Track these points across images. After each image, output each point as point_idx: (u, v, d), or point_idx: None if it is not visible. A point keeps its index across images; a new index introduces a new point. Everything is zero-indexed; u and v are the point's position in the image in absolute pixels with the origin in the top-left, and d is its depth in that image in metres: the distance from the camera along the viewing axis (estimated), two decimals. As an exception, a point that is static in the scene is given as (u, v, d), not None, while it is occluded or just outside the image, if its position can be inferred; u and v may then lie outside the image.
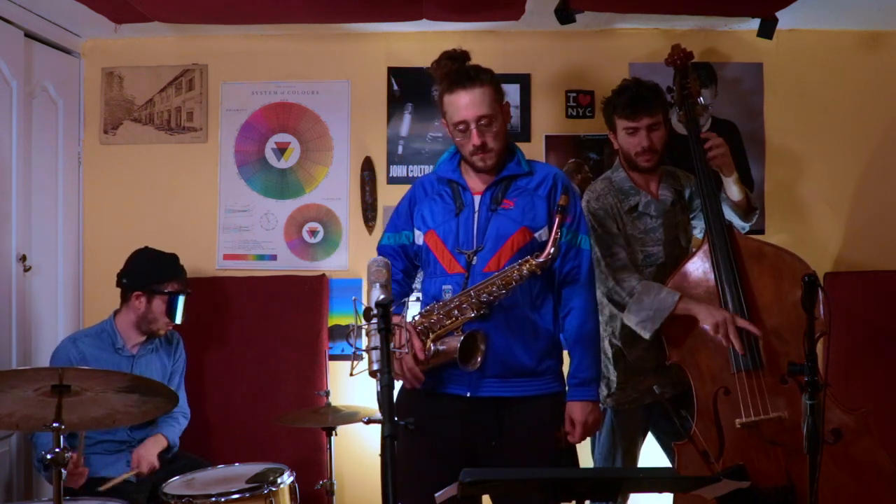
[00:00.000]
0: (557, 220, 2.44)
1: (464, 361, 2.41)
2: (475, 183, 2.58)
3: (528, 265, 2.42)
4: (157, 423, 3.18)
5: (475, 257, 2.49)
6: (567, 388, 2.55)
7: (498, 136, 2.52)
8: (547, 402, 2.53)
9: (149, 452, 3.05)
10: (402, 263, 2.67)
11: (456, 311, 2.46)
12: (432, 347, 2.45)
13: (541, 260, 2.43)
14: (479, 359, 2.43)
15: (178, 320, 3.19)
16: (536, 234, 2.52)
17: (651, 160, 2.89)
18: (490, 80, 2.52)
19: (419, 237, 2.61)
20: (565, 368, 2.60)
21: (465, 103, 2.48)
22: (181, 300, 3.17)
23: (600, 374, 2.59)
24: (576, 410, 2.51)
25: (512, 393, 2.48)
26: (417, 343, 2.44)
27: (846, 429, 2.64)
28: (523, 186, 2.56)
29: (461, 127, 2.50)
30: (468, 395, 2.48)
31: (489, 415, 2.48)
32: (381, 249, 2.70)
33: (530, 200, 2.53)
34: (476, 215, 2.54)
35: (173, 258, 3.21)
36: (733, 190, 2.95)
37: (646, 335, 2.76)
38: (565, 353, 2.60)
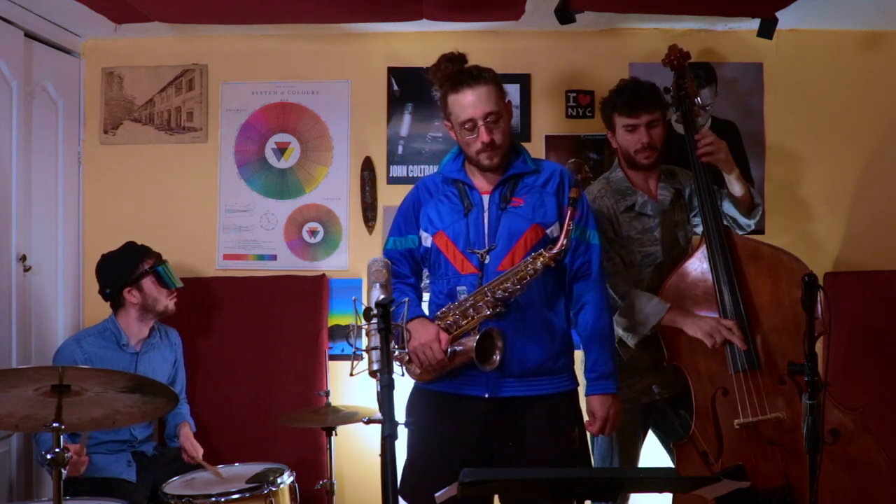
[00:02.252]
0: (569, 212, 2.46)
1: (481, 361, 2.40)
2: (481, 182, 2.58)
3: (541, 258, 2.44)
4: (166, 416, 3.28)
5: (488, 256, 2.50)
6: (586, 383, 2.57)
7: (504, 133, 2.53)
8: (562, 400, 2.55)
9: (193, 441, 3.19)
10: (410, 267, 2.67)
11: (472, 311, 2.46)
12: (449, 349, 2.44)
13: (554, 251, 2.44)
14: (496, 357, 2.42)
15: (176, 284, 3.21)
16: (548, 231, 2.53)
17: (651, 157, 2.89)
18: (493, 79, 2.53)
19: (426, 239, 2.60)
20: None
21: (471, 101, 2.49)
22: (164, 268, 3.20)
23: (616, 367, 2.60)
24: (596, 404, 2.54)
25: (530, 392, 2.49)
26: (444, 336, 2.45)
27: (844, 429, 2.64)
28: (531, 184, 2.57)
29: (468, 125, 2.50)
30: (486, 396, 2.48)
31: (507, 415, 2.49)
32: (387, 254, 2.69)
33: (539, 197, 2.55)
34: (486, 214, 2.54)
35: (131, 244, 3.23)
36: (735, 186, 2.94)
37: (630, 343, 2.78)
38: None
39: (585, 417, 2.62)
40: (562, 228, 2.48)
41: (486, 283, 2.47)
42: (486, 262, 2.49)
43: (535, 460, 2.47)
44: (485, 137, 2.48)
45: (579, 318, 2.58)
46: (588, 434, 3.04)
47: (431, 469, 2.41)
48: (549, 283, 2.53)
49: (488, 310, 2.44)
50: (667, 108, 2.99)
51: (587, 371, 2.57)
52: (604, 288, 2.61)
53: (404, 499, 2.59)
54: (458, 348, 2.45)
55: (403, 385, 2.56)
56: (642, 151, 2.88)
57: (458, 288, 2.51)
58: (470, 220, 2.54)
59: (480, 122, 2.48)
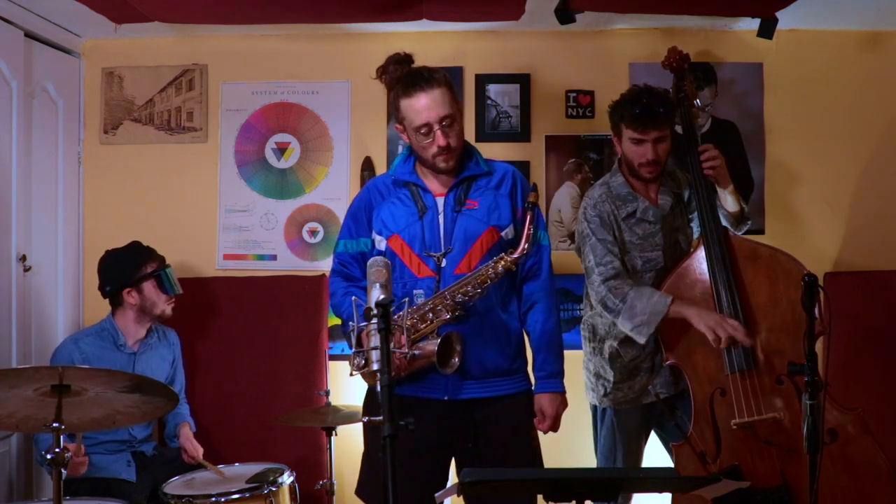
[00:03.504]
0: (529, 216, 2.44)
1: (441, 364, 2.41)
2: (434, 185, 2.56)
3: (502, 262, 2.43)
4: (166, 416, 3.28)
5: (444, 259, 2.48)
6: (535, 382, 2.58)
7: (459, 135, 2.51)
8: (519, 400, 2.56)
9: (193, 441, 3.18)
10: (362, 270, 2.62)
11: (431, 314, 2.44)
12: (407, 353, 2.43)
13: (515, 256, 2.43)
14: (455, 361, 2.42)
15: (176, 291, 3.21)
16: (503, 233, 2.52)
17: (654, 172, 2.89)
18: (445, 81, 2.50)
19: (380, 242, 2.57)
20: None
21: (425, 105, 2.44)
22: (167, 273, 3.19)
23: (563, 367, 2.60)
24: (545, 402, 2.55)
25: (488, 393, 2.50)
26: (402, 338, 2.42)
27: (843, 429, 2.65)
28: (484, 186, 2.56)
29: (423, 130, 2.45)
30: (445, 398, 2.48)
31: (465, 417, 2.50)
32: (339, 257, 2.65)
33: (494, 199, 2.54)
34: (441, 217, 2.52)
35: (136, 245, 3.23)
36: (729, 200, 2.94)
37: (641, 340, 2.77)
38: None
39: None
40: (520, 231, 2.47)
41: (445, 286, 2.45)
42: (443, 265, 2.48)
43: (497, 460, 2.48)
44: (441, 141, 2.45)
45: (528, 318, 2.59)
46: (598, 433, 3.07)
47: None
48: (504, 284, 2.53)
49: (447, 313, 2.43)
50: (675, 120, 2.97)
51: (536, 370, 2.58)
52: (553, 288, 2.60)
53: (361, 498, 2.60)
54: (416, 352, 2.42)
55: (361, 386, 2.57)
56: (646, 166, 2.86)
57: (415, 291, 2.49)
58: (425, 222, 2.51)
59: (436, 127, 2.44)
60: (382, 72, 2.58)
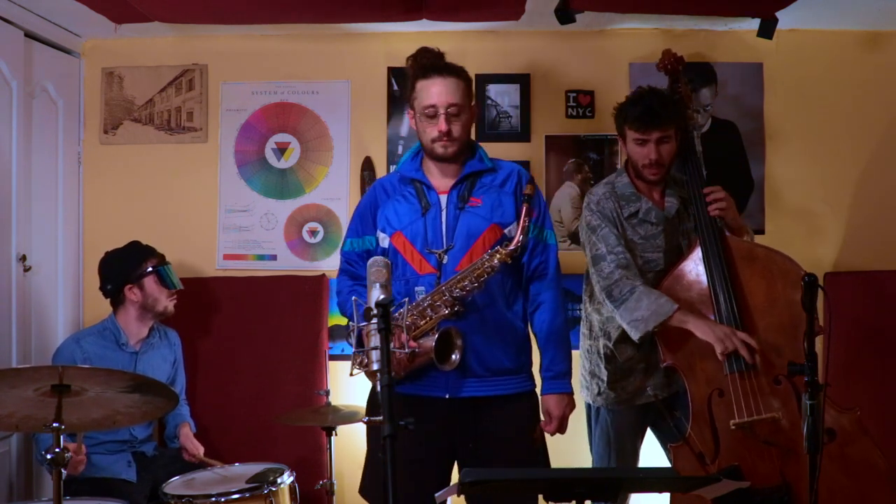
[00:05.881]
0: (525, 208, 2.47)
1: (440, 361, 2.40)
2: (439, 182, 2.58)
3: (498, 255, 2.44)
4: (166, 417, 3.29)
5: (446, 256, 2.50)
6: (542, 382, 2.58)
7: (463, 127, 2.54)
8: (522, 400, 2.56)
9: (193, 440, 3.20)
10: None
11: (430, 311, 2.45)
12: (408, 350, 2.44)
13: (511, 248, 2.45)
14: (455, 357, 2.42)
15: (177, 286, 3.22)
16: (506, 230, 2.53)
17: (657, 174, 2.88)
18: (464, 76, 2.56)
19: (384, 240, 2.60)
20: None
21: (437, 90, 2.51)
22: (167, 269, 3.21)
23: (571, 367, 2.61)
24: (552, 404, 2.55)
25: (490, 392, 2.50)
26: (403, 337, 2.42)
27: (840, 429, 2.65)
28: (489, 183, 2.58)
29: (430, 112, 2.51)
30: (447, 396, 2.48)
31: (467, 416, 2.49)
32: (346, 255, 2.68)
33: (497, 197, 2.55)
34: (444, 214, 2.54)
35: (135, 244, 3.24)
36: None
37: (634, 336, 2.76)
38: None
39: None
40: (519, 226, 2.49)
41: (444, 282, 2.46)
42: (445, 262, 2.49)
43: (498, 461, 2.47)
44: (442, 126, 2.50)
45: (535, 318, 2.59)
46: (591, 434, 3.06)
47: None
48: (508, 282, 2.54)
49: (446, 309, 2.44)
50: (680, 121, 2.95)
51: (543, 370, 2.58)
52: (560, 287, 2.61)
53: (364, 498, 2.60)
54: (416, 349, 2.43)
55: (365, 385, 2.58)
56: (649, 167, 2.86)
57: (417, 289, 2.51)
58: (427, 219, 2.54)
59: (441, 111, 2.50)
60: (414, 58, 2.64)
